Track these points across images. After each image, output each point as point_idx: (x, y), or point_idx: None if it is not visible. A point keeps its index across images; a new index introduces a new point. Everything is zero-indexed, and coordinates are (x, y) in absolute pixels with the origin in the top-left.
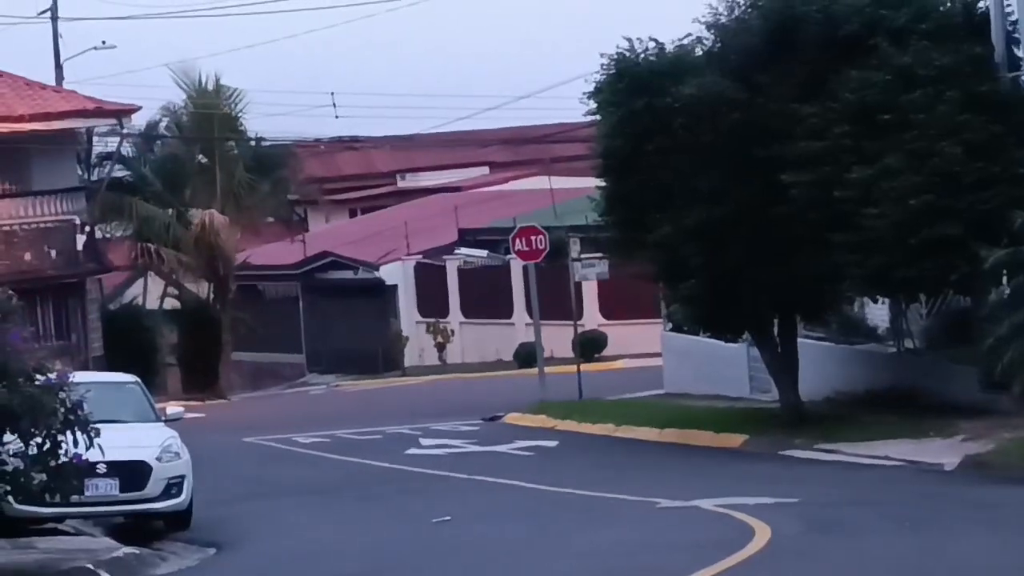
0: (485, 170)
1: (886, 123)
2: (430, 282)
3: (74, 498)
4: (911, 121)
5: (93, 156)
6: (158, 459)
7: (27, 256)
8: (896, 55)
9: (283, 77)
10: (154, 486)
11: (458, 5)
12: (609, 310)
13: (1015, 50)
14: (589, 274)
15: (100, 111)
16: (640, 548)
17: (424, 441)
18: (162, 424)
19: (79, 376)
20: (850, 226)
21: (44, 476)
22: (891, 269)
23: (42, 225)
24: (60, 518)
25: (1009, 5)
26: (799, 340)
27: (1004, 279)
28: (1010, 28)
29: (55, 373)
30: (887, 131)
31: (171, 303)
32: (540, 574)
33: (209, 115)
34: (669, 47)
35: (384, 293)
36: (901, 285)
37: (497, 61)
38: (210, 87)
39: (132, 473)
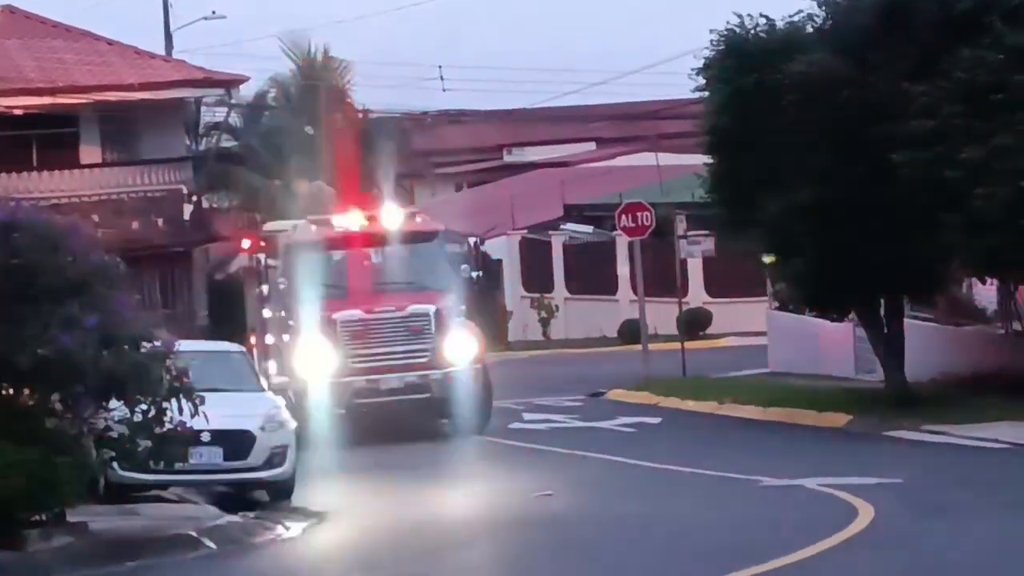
0: (592, 146)
1: (998, 103)
2: (535, 257)
3: (178, 466)
4: None
5: (201, 126)
6: (262, 429)
7: (135, 225)
8: (1009, 34)
9: (391, 49)
10: (258, 455)
11: None
12: (714, 288)
13: None
14: (695, 251)
15: (209, 81)
16: (743, 526)
17: (527, 415)
18: (267, 393)
19: (184, 344)
20: (960, 206)
21: (149, 443)
22: (1001, 250)
23: (150, 194)
24: (164, 485)
25: None
26: (906, 320)
27: None
28: None
29: (161, 341)
30: (999, 111)
31: None
32: (644, 549)
33: (316, 87)
34: (780, 24)
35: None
36: (1011, 266)
37: (606, 36)
38: (319, 58)
39: (236, 442)
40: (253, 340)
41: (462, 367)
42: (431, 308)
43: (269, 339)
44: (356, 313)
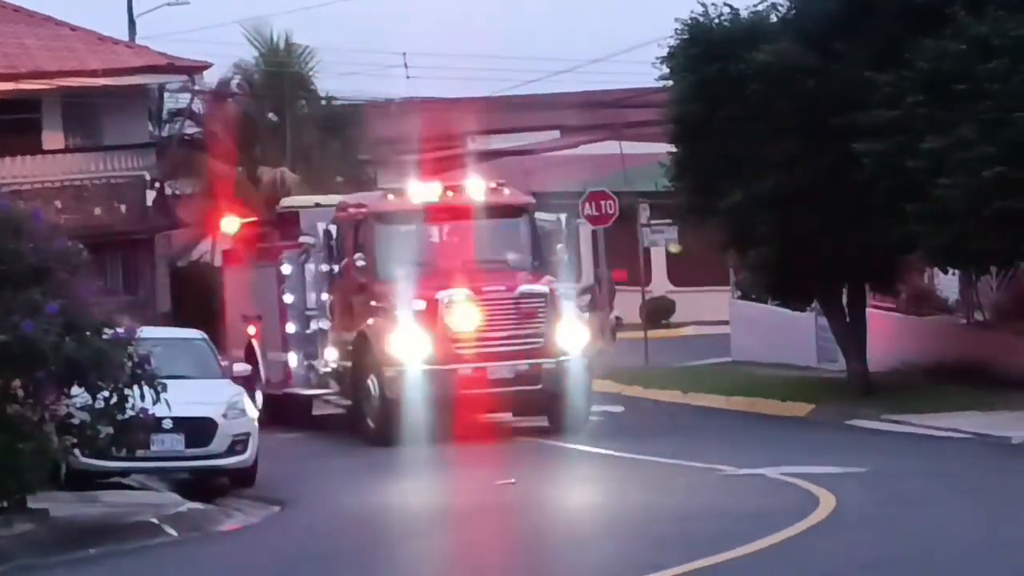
0: (556, 134)
1: (960, 93)
2: None
3: (139, 453)
4: (986, 91)
5: (164, 112)
6: (224, 416)
7: (97, 211)
8: (972, 25)
9: (355, 36)
10: (219, 443)
11: None
12: (678, 276)
13: None
14: (658, 240)
15: (172, 67)
16: (704, 515)
17: None
18: (228, 381)
19: (147, 331)
20: (922, 196)
21: (110, 430)
22: (963, 240)
23: (112, 180)
24: (125, 472)
25: None
26: (868, 310)
27: None
28: None
29: (123, 327)
30: (961, 101)
31: None
32: (604, 538)
33: (280, 73)
34: (744, 13)
35: None
36: (972, 256)
37: (570, 24)
38: (282, 45)
39: (198, 429)
40: (252, 330)
41: (574, 357)
42: (544, 289)
43: (291, 327)
44: (462, 292)
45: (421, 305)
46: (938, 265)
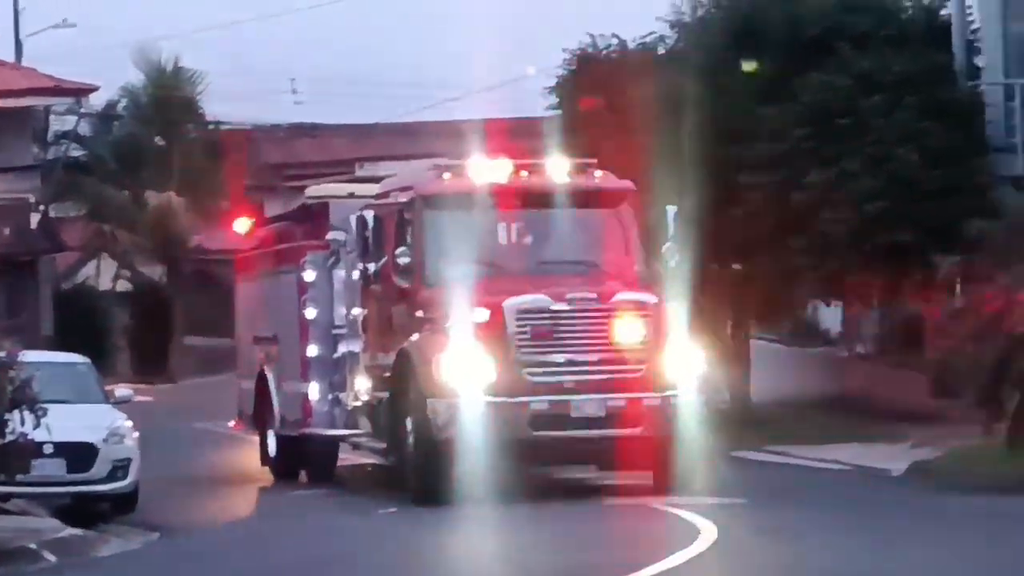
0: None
1: (845, 127)
2: None
3: (19, 477)
4: (870, 126)
5: (49, 134)
6: (105, 441)
7: None
8: (856, 60)
9: (244, 61)
10: (100, 468)
11: None
12: None
13: (975, 59)
14: None
15: (58, 89)
16: (585, 545)
17: None
18: (110, 406)
19: (28, 355)
20: (806, 229)
21: None
22: (845, 273)
23: None
24: (5, 497)
25: (971, 14)
26: (751, 342)
27: (957, 288)
28: (971, 37)
29: (4, 351)
30: (846, 135)
31: (124, 285)
32: (482, 570)
33: (168, 97)
34: (631, 44)
35: None
36: (855, 289)
37: (461, 51)
38: (169, 69)
39: (79, 454)
40: (264, 355)
41: (686, 390)
42: (650, 298)
43: (313, 350)
44: (538, 300)
45: (483, 316)
46: (821, 298)
